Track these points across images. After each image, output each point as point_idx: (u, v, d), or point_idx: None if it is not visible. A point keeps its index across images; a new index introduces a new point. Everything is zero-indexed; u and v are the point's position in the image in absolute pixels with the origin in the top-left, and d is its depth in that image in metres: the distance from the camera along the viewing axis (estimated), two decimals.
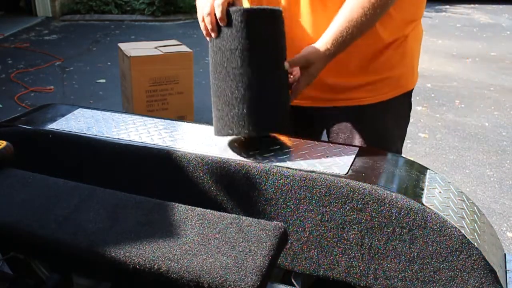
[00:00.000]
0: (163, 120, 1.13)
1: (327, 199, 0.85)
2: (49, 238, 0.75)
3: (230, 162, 0.90)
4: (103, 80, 4.45)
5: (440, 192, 0.87)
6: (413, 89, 1.25)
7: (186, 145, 0.98)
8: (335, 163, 0.91)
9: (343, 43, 1.03)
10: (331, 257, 0.82)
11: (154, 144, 0.99)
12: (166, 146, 0.97)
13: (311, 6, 1.11)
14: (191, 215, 0.76)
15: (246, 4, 1.17)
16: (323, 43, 1.03)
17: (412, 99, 1.26)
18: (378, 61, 1.15)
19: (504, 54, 5.52)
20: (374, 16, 1.03)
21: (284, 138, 1.03)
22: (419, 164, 0.99)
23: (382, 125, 1.20)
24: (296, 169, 0.88)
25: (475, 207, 0.89)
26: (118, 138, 1.02)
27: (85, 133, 1.05)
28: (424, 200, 0.83)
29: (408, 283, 0.78)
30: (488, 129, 3.55)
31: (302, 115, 1.21)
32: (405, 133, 1.29)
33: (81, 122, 1.11)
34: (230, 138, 1.01)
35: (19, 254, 0.91)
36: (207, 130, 1.06)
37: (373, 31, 1.09)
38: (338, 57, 1.05)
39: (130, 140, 1.01)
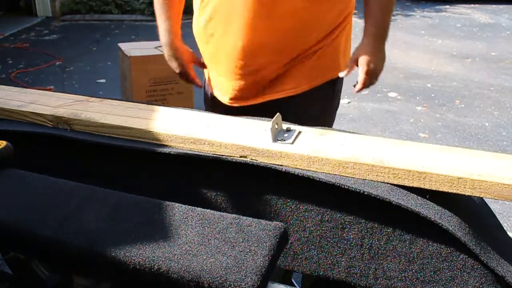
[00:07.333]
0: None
1: (327, 199, 0.84)
2: (49, 238, 0.75)
3: (229, 161, 0.90)
4: (103, 80, 4.45)
5: None
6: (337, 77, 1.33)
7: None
8: None
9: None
10: (331, 257, 0.82)
11: (155, 145, 0.98)
12: (167, 147, 0.97)
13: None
14: (191, 215, 0.76)
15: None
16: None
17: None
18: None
19: (504, 54, 5.52)
20: None
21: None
22: None
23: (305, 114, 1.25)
24: (296, 168, 0.88)
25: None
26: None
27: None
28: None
29: (408, 283, 0.78)
30: (488, 129, 3.55)
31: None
32: (333, 121, 1.42)
33: None
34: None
35: (19, 254, 0.91)
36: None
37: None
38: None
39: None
